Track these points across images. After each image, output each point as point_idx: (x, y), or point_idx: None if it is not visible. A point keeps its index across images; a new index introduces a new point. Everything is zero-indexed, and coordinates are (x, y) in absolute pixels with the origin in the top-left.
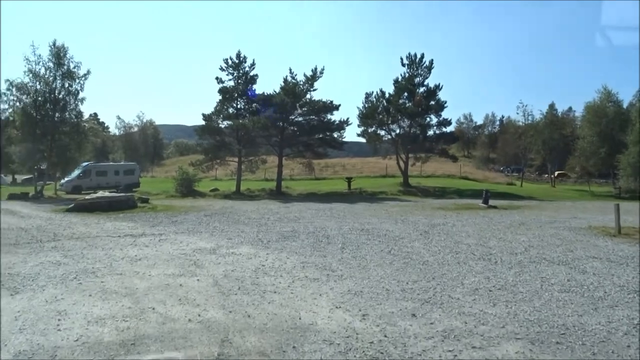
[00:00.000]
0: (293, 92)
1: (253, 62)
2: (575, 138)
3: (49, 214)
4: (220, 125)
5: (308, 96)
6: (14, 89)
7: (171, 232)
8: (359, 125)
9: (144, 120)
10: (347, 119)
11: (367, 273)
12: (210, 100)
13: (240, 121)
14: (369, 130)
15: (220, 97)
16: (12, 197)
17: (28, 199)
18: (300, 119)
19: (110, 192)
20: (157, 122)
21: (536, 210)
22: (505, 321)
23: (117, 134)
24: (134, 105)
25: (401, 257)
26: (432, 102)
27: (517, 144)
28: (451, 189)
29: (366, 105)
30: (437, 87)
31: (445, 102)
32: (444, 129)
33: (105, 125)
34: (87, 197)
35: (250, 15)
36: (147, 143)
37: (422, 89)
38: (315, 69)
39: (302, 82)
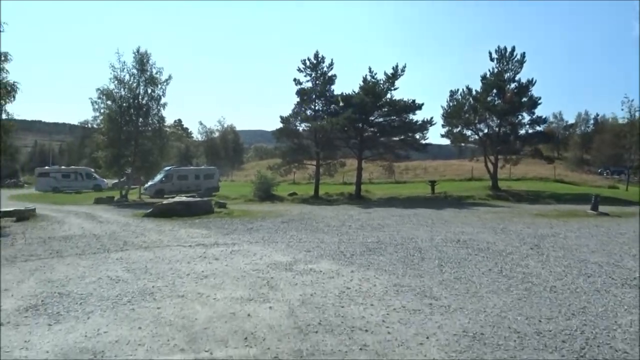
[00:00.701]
0: (373, 91)
1: (331, 62)
2: None
3: (126, 219)
4: (298, 127)
5: (388, 95)
6: (104, 97)
7: (245, 241)
8: (443, 125)
9: (225, 125)
10: (431, 118)
11: (480, 303)
12: (289, 103)
13: (319, 123)
14: (454, 131)
15: (298, 99)
16: (98, 201)
17: (112, 203)
18: (380, 119)
19: (188, 196)
20: (238, 128)
21: None
22: None
23: (200, 139)
24: (216, 111)
25: (518, 281)
26: (524, 99)
27: (619, 144)
28: (546, 193)
29: (451, 104)
30: (530, 82)
31: (540, 99)
32: (537, 128)
33: (189, 130)
34: (165, 201)
35: (327, 15)
36: (228, 147)
37: (512, 85)
38: (396, 66)
39: (382, 81)
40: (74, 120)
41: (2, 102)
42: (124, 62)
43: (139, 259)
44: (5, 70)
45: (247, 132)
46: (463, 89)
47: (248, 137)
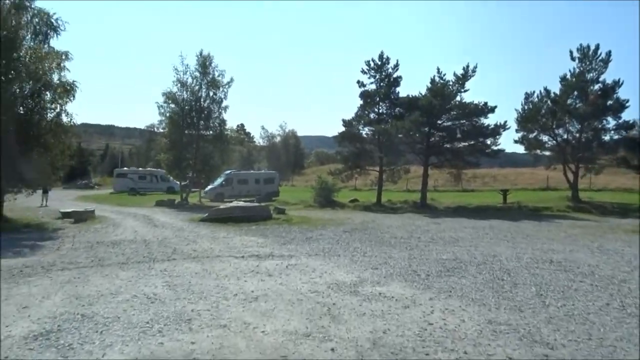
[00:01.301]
0: (442, 93)
1: (397, 63)
2: None
3: (182, 224)
4: (361, 131)
5: (458, 98)
6: (169, 100)
7: (304, 253)
8: (516, 130)
9: (286, 130)
10: (505, 122)
11: (614, 356)
12: (351, 108)
13: (382, 126)
14: (530, 136)
15: (361, 102)
16: (159, 203)
17: (173, 206)
18: (448, 123)
19: (246, 201)
20: (299, 133)
21: None
22: None
23: (262, 143)
24: (278, 116)
25: None
26: (610, 102)
27: None
28: (634, 206)
29: (526, 107)
30: (617, 84)
31: (627, 101)
32: (623, 133)
33: (251, 135)
34: (222, 206)
35: (394, 15)
36: (289, 152)
37: (596, 87)
38: (467, 66)
39: (451, 82)
40: (144, 125)
41: (61, 101)
42: (187, 65)
43: (185, 271)
44: (65, 69)
45: (308, 137)
46: (540, 91)
47: (309, 143)
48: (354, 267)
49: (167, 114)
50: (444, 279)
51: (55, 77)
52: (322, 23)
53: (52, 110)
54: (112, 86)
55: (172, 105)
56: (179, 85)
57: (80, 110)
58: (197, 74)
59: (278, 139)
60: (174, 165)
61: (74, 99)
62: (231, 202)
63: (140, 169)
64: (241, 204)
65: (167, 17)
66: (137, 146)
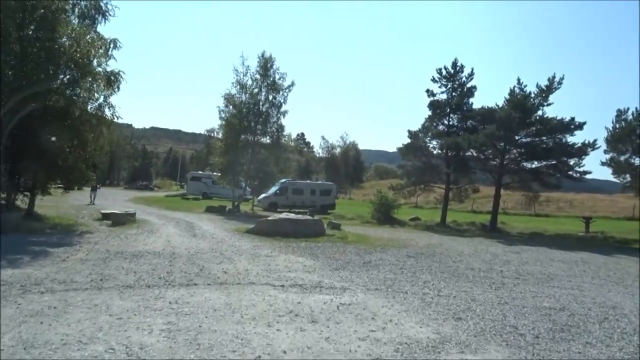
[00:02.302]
0: (522, 106)
1: (472, 71)
2: None
3: (224, 234)
4: (427, 144)
5: (539, 112)
6: (228, 104)
7: (360, 286)
8: (605, 151)
9: (347, 142)
10: (595, 141)
11: None
12: (416, 122)
13: (452, 139)
14: (621, 158)
15: (429, 113)
16: (209, 209)
17: (223, 213)
18: (527, 139)
19: (297, 212)
20: (359, 147)
21: None
22: None
23: (321, 154)
24: (338, 128)
25: None
26: None
27: None
28: None
29: (617, 126)
30: None
31: None
32: None
33: (311, 145)
34: (271, 217)
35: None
36: (348, 164)
37: None
38: (553, 77)
39: (533, 95)
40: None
41: (104, 91)
42: (248, 67)
43: (201, 306)
44: (112, 57)
45: (368, 151)
46: (637, 107)
47: (369, 157)
48: (428, 314)
49: (225, 117)
50: (561, 346)
51: (99, 66)
52: (389, 32)
53: (94, 102)
54: (182, 92)
55: (230, 108)
56: (238, 87)
57: (150, 114)
58: (258, 76)
59: (338, 150)
60: (228, 169)
61: (118, 90)
62: (282, 213)
63: (214, 173)
64: (292, 216)
65: (243, 19)
66: (197, 150)
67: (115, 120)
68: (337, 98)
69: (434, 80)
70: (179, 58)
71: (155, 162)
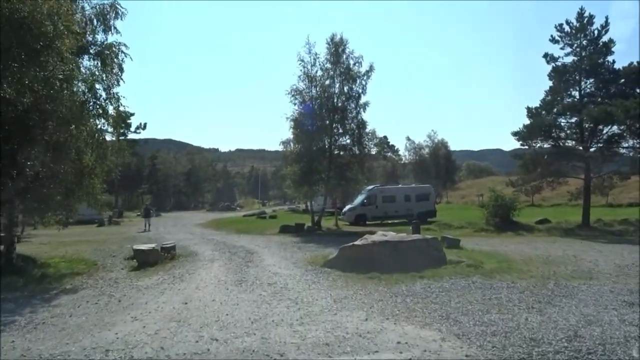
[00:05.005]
0: None
1: (606, 21)
2: None
3: (291, 272)
4: (559, 122)
5: None
6: (295, 101)
7: None
8: None
9: (435, 141)
10: None
11: None
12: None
13: (602, 108)
14: None
15: (551, 84)
16: (284, 229)
17: (301, 233)
18: None
19: (395, 223)
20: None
21: None
22: None
23: (407, 156)
24: (423, 128)
25: None
26: None
27: None
28: None
29: None
30: None
31: None
32: None
33: (395, 148)
34: (360, 242)
35: None
36: (439, 165)
37: None
38: None
39: None
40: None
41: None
42: (316, 54)
43: None
44: (113, 28)
45: (454, 152)
46: None
47: (456, 158)
48: None
49: (293, 117)
50: None
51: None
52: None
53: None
54: (264, 111)
55: (296, 105)
56: (306, 80)
57: (235, 136)
58: (329, 65)
59: (426, 150)
60: (302, 179)
61: (123, 82)
62: (376, 232)
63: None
64: (390, 236)
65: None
66: (277, 166)
67: (123, 114)
68: (422, 96)
69: (553, 40)
70: (260, 79)
71: (240, 182)
